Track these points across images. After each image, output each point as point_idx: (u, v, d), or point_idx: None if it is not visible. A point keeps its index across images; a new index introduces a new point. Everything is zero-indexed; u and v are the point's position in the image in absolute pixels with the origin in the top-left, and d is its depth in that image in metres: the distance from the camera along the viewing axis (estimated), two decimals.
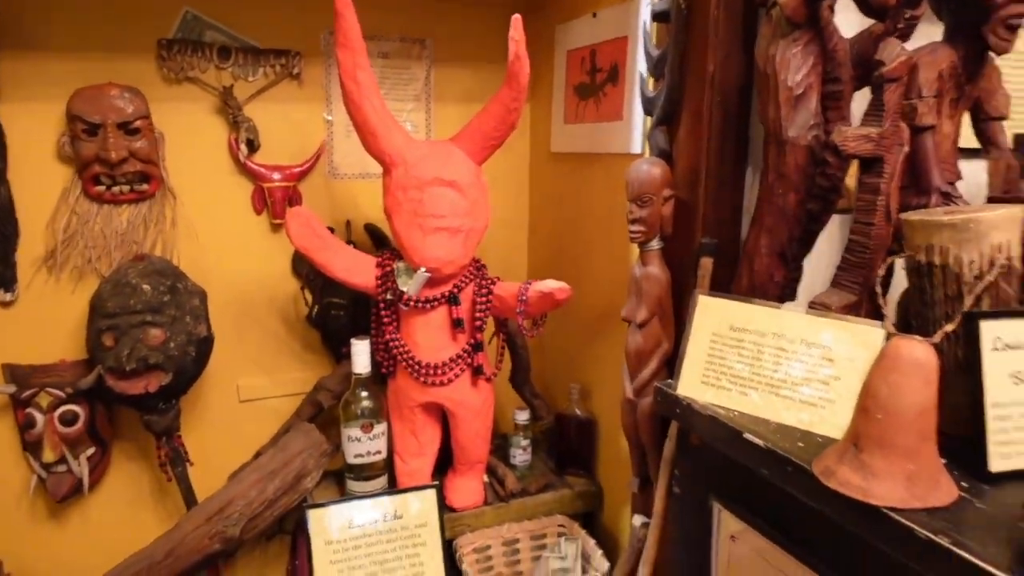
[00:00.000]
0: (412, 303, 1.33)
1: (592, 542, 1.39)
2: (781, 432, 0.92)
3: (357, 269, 1.38)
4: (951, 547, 0.67)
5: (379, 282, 1.37)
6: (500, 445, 1.63)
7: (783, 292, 1.04)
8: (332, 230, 1.53)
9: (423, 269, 1.30)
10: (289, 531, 1.58)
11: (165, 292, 1.36)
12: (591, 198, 1.52)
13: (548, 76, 1.67)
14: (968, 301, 0.83)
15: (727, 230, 1.12)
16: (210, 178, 1.52)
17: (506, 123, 1.31)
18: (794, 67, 0.94)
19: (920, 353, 0.74)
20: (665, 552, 1.15)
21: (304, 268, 1.60)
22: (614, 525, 1.49)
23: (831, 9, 0.96)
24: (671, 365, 1.16)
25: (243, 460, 1.53)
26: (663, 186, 1.12)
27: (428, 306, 1.34)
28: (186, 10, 1.45)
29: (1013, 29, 0.98)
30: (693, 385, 1.03)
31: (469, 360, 1.38)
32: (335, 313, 1.59)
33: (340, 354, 1.60)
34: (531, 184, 1.83)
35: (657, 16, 1.14)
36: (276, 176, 1.56)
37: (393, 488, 1.43)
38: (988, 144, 1.08)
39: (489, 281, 1.39)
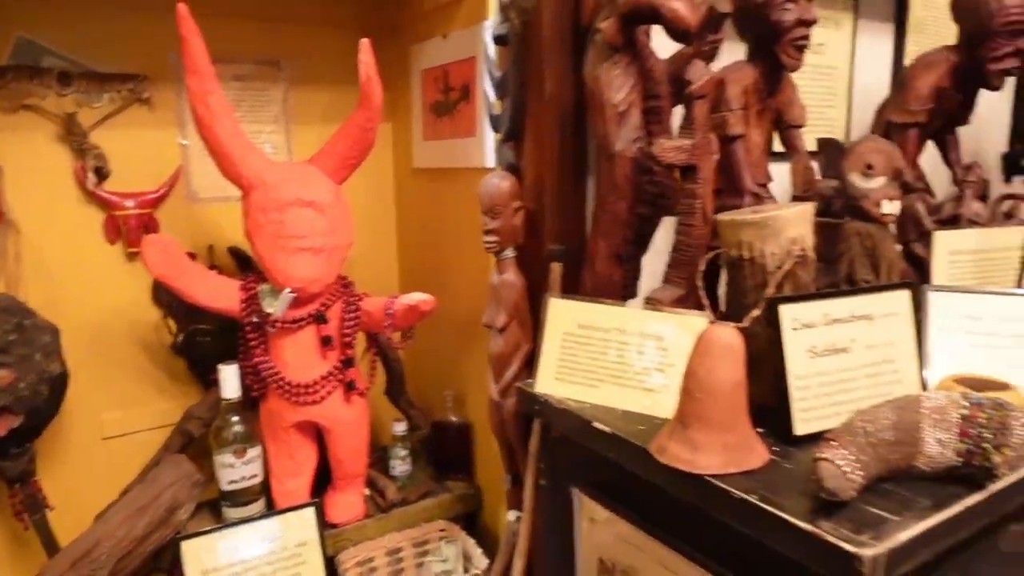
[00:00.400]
0: (279, 324, 1.34)
1: (472, 542, 1.44)
2: (626, 418, 1.01)
3: (220, 294, 1.37)
4: (759, 503, 0.77)
5: (244, 305, 1.37)
6: (380, 457, 1.65)
7: (624, 291, 1.14)
8: (194, 256, 1.51)
9: (288, 290, 1.31)
10: (166, 568, 1.53)
11: (11, 331, 1.29)
12: (453, 211, 1.58)
13: (406, 95, 1.71)
14: (771, 288, 0.94)
15: (573, 236, 1.21)
16: (57, 209, 1.46)
17: (362, 143, 1.34)
18: (616, 87, 1.04)
19: (728, 337, 0.84)
20: (536, 542, 1.22)
21: (165, 296, 1.56)
22: (494, 523, 1.55)
23: (647, 34, 1.06)
24: (532, 365, 1.24)
25: (110, 500, 1.47)
26: (512, 198, 1.20)
27: (295, 326, 1.35)
28: (18, 35, 1.39)
29: (801, 49, 1.13)
30: (549, 382, 1.11)
31: (340, 376, 1.40)
32: (201, 340, 1.56)
33: (209, 381, 1.57)
34: (397, 199, 1.87)
35: (497, 39, 1.21)
36: (129, 203, 1.51)
37: (271, 511, 1.42)
38: (790, 149, 1.22)
39: (356, 297, 1.42)
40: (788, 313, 0.92)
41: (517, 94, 1.20)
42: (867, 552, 0.67)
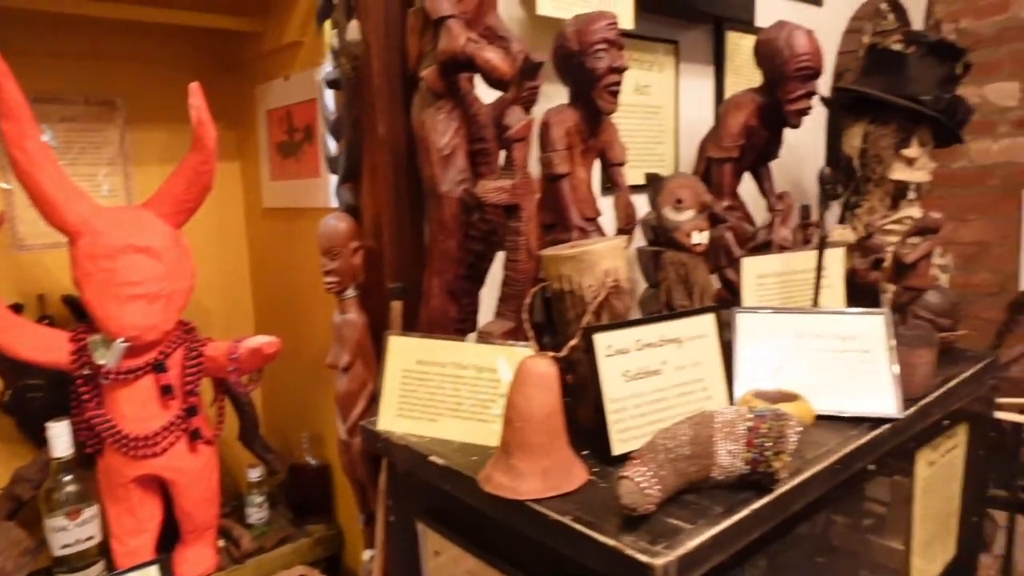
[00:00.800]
0: (113, 376, 1.29)
1: None
2: (463, 450, 1.04)
3: (47, 347, 1.30)
4: (571, 523, 0.82)
5: (74, 357, 1.30)
6: (236, 506, 1.60)
7: (462, 325, 1.17)
8: (20, 307, 1.42)
9: (120, 340, 1.26)
10: None
11: None
12: (303, 251, 1.58)
13: (253, 134, 1.70)
14: (587, 317, 1.01)
15: (412, 273, 1.24)
16: None
17: (198, 186, 1.32)
18: (440, 131, 1.08)
19: (542, 367, 0.89)
20: None
21: None
22: (356, 564, 1.53)
23: (470, 81, 1.12)
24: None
25: None
26: (349, 239, 1.21)
27: (132, 376, 1.30)
28: None
29: (614, 94, 1.22)
30: (391, 419, 1.13)
31: (184, 426, 1.36)
32: (32, 396, 1.47)
33: (42, 440, 1.47)
34: (249, 239, 1.84)
35: (330, 84, 1.24)
36: None
37: (112, 573, 1.35)
38: (613, 185, 1.31)
39: (199, 343, 1.38)
40: (602, 341, 0.99)
41: (351, 137, 1.23)
42: (658, 561, 0.73)
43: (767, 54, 1.48)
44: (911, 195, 1.72)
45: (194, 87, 1.22)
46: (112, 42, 1.57)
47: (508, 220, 1.10)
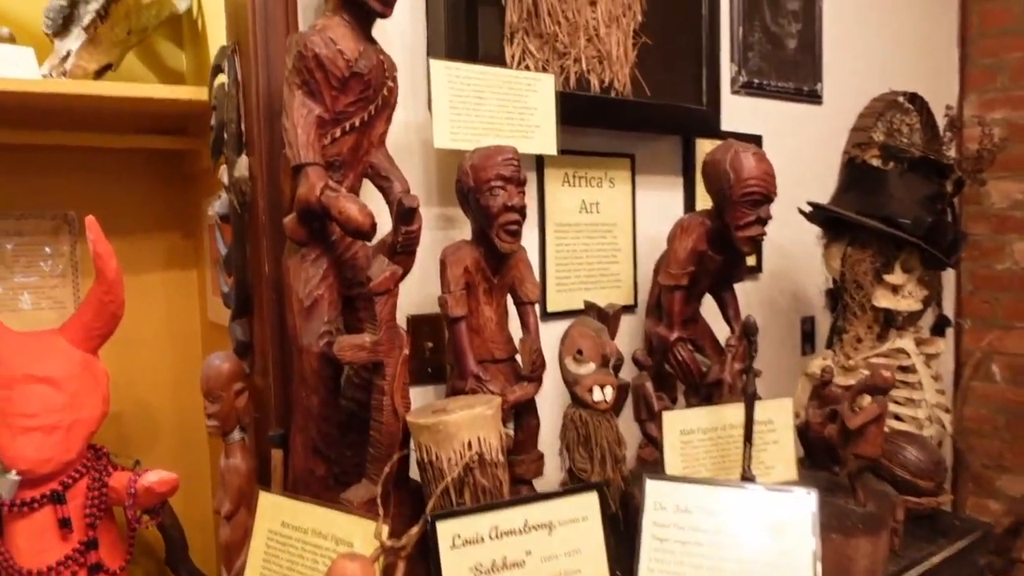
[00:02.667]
0: (7, 508, 1.25)
1: None
2: None
3: None
4: None
5: None
6: None
7: (331, 484, 1.08)
8: None
9: (14, 472, 1.23)
10: None
11: None
12: None
13: (202, 246, 1.69)
14: (431, 502, 0.90)
15: None
16: None
17: (104, 315, 1.30)
18: (303, 279, 1.02)
19: (350, 571, 0.79)
20: None
21: None
22: None
23: None
24: None
25: None
26: (232, 380, 1.15)
27: (28, 508, 1.26)
28: None
29: (511, 233, 1.13)
30: None
31: (82, 560, 1.30)
32: None
33: None
34: (203, 348, 1.82)
35: (222, 217, 1.20)
36: None
37: None
38: (522, 326, 1.20)
39: (105, 473, 1.34)
40: (446, 530, 0.88)
41: (240, 272, 1.18)
42: None
43: (713, 177, 1.36)
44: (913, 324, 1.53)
45: (90, 220, 1.20)
46: (67, 158, 1.60)
47: (374, 377, 1.01)
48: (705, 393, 1.40)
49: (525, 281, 1.20)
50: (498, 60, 1.32)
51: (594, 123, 1.47)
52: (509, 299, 1.23)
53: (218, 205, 1.20)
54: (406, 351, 1.02)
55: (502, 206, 1.11)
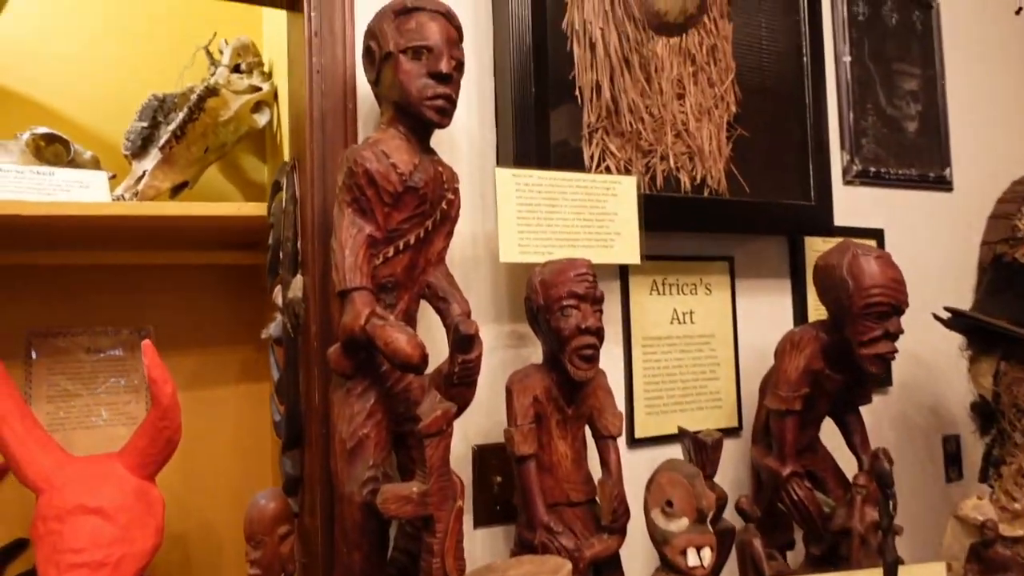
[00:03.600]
0: None
1: None
2: None
3: None
4: None
5: None
6: None
7: None
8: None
9: None
10: None
11: None
12: None
13: None
14: None
15: None
16: None
17: (161, 440, 1.22)
18: (346, 417, 0.90)
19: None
20: None
21: None
22: None
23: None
24: None
25: None
26: (277, 523, 1.03)
27: None
28: None
29: (586, 359, 0.98)
30: None
31: None
32: None
33: None
34: (272, 471, 1.74)
35: (276, 340, 1.12)
36: None
37: None
38: (601, 465, 1.03)
39: None
40: None
41: (292, 401, 1.08)
42: None
43: (828, 285, 1.17)
44: None
45: (145, 345, 1.15)
46: (143, 274, 1.60)
47: (424, 533, 0.86)
48: (830, 541, 1.17)
49: (605, 411, 1.04)
50: (575, 162, 1.21)
51: (685, 226, 1.32)
52: (588, 431, 1.07)
53: (273, 327, 1.12)
54: (460, 503, 0.87)
55: (575, 328, 0.97)
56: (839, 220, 1.55)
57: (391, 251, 0.93)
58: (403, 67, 0.92)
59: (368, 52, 0.97)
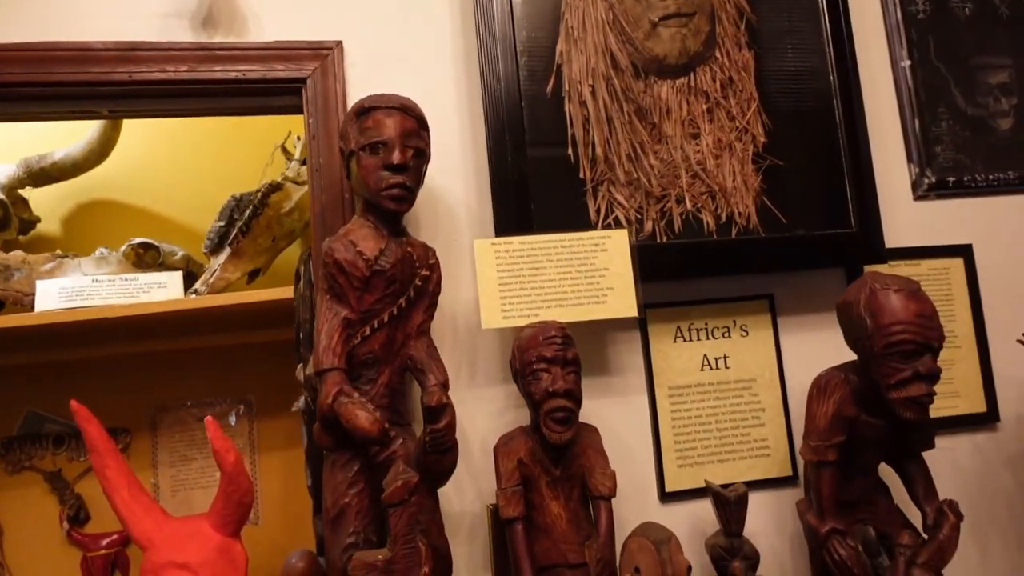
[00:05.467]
0: None
1: None
2: None
3: None
4: None
5: None
6: None
7: None
8: None
9: None
10: None
11: None
12: None
13: None
14: None
15: None
16: (45, 554, 1.68)
17: (232, 503, 1.38)
18: (332, 487, 0.98)
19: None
20: None
21: None
22: None
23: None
24: None
25: None
26: None
27: None
28: (28, 410, 1.71)
29: (560, 421, 0.99)
30: None
31: None
32: None
33: None
34: None
35: (303, 413, 1.23)
36: (104, 542, 1.69)
37: None
38: (595, 524, 1.02)
39: None
40: None
41: (316, 468, 1.18)
42: None
43: (847, 325, 1.07)
44: None
45: (208, 421, 1.31)
46: (241, 352, 1.81)
47: None
48: None
49: (595, 471, 1.03)
50: (579, 219, 1.22)
51: (716, 271, 1.28)
52: None
53: (301, 401, 1.24)
54: (426, 570, 0.91)
55: (544, 392, 0.98)
56: (913, 240, 1.42)
57: (367, 330, 1.01)
58: (363, 162, 1.00)
59: (340, 151, 1.07)
